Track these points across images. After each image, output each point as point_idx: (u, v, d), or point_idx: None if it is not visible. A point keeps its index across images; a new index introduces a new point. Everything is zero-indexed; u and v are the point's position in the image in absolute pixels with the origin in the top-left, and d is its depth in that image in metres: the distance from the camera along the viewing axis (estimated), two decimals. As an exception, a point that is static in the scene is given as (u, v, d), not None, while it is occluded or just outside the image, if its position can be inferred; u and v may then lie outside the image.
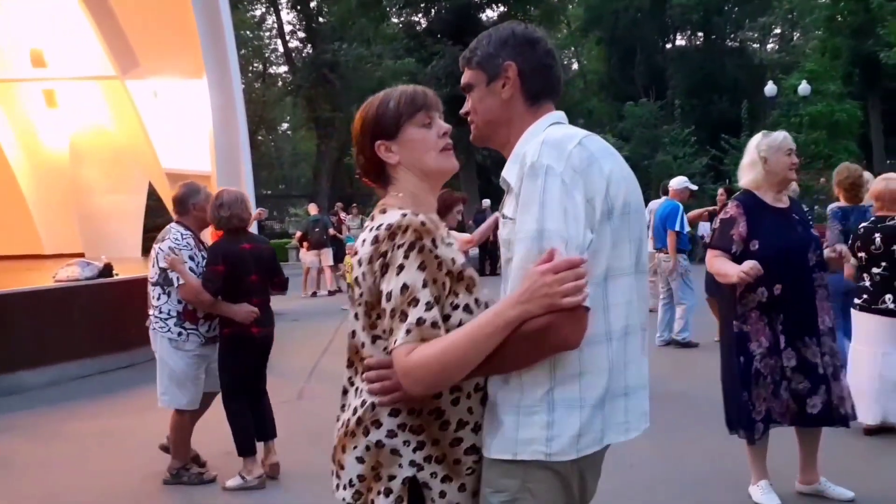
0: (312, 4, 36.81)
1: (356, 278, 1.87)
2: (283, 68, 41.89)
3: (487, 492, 1.84)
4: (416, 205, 1.92)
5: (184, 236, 5.08)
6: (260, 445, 5.16)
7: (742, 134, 26.48)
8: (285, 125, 48.08)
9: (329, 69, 32.18)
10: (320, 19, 36.98)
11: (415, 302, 1.75)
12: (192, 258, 5.02)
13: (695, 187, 9.95)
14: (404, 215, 1.81)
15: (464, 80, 2.03)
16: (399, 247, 1.78)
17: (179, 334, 5.04)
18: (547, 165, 1.76)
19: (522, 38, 1.96)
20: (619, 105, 32.43)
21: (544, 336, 1.71)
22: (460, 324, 1.81)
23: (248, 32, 37.65)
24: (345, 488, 1.91)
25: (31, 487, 5.25)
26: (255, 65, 42.54)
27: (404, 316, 1.75)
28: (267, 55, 43.15)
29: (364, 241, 1.86)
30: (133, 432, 6.59)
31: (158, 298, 5.08)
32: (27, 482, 5.37)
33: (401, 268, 1.77)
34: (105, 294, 9.26)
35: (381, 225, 1.82)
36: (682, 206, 9.40)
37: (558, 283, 1.67)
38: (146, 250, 16.65)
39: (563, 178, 1.75)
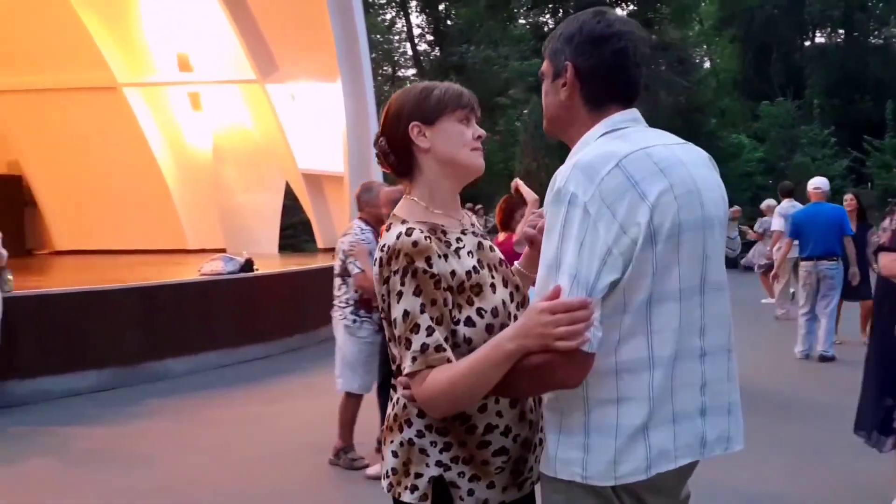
0: (441, 7, 37.28)
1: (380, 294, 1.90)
2: (412, 71, 42.58)
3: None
4: (432, 201, 1.95)
5: (363, 231, 5.37)
6: None
7: (886, 135, 25.13)
8: (413, 126, 48.82)
9: (456, 71, 32.48)
10: (448, 22, 37.41)
11: (416, 328, 1.78)
12: (371, 253, 5.28)
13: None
14: (398, 236, 1.82)
15: (542, 67, 1.91)
16: (395, 273, 1.81)
17: (354, 321, 5.34)
18: (572, 193, 1.66)
19: (587, 37, 1.79)
20: (754, 104, 31.30)
21: (541, 374, 1.68)
22: (465, 338, 1.83)
23: (378, 36, 38.44)
24: (385, 478, 1.99)
25: (174, 470, 5.58)
26: (385, 68, 43.37)
27: (409, 343, 1.78)
28: (396, 58, 43.95)
29: (376, 260, 1.90)
30: (267, 420, 6.91)
31: (339, 288, 5.40)
32: (170, 464, 5.71)
33: (399, 294, 1.80)
34: (245, 288, 9.73)
35: (383, 246, 1.85)
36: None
37: (553, 325, 1.62)
38: (282, 247, 17.34)
39: (588, 208, 1.64)
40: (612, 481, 1.71)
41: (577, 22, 1.83)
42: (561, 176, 1.70)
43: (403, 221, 1.90)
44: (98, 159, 14.84)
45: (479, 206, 20.06)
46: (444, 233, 1.89)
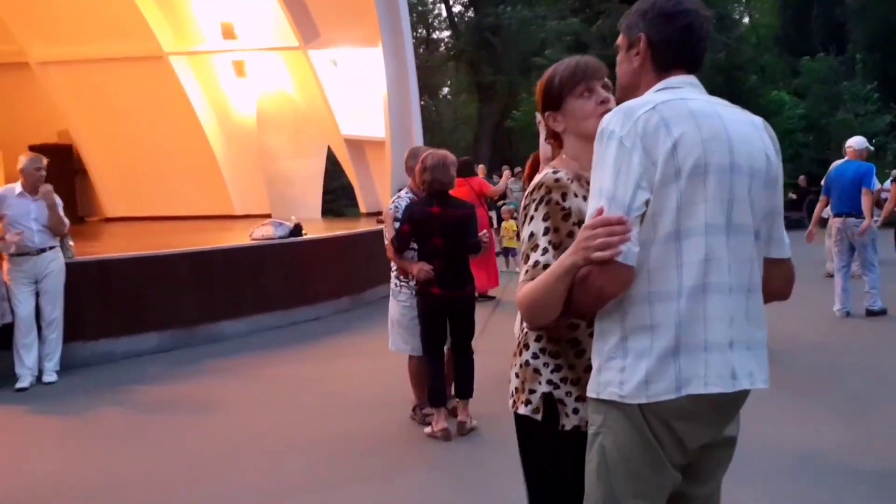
0: (476, -33, 36.97)
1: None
2: (446, 33, 42.40)
3: (586, 423, 2.09)
4: (578, 166, 2.22)
5: (400, 199, 5.58)
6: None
7: (932, 91, 24.65)
8: (446, 90, 48.69)
9: (492, 32, 32.32)
10: (484, -18, 37.11)
11: (536, 247, 2.09)
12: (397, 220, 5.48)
13: (871, 148, 9.45)
14: (545, 175, 2.16)
15: (618, 40, 2.19)
16: (533, 201, 2.15)
17: (395, 286, 5.58)
18: (610, 130, 1.92)
19: (660, 12, 2.05)
20: (795, 61, 30.78)
21: (585, 285, 1.91)
22: None
23: (413, -1, 38.29)
24: (510, 396, 2.31)
25: (240, 425, 5.85)
26: (420, 31, 43.21)
27: (527, 258, 2.10)
28: (431, 20, 43.74)
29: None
30: (322, 378, 7.18)
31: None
32: (236, 420, 5.99)
33: (531, 218, 2.14)
34: (295, 252, 9.99)
35: (532, 183, 2.19)
36: (874, 167, 8.98)
37: (593, 238, 1.86)
38: (325, 212, 17.61)
39: (624, 141, 1.90)
40: (644, 399, 1.91)
41: (650, 1, 2.09)
42: (605, 118, 1.97)
43: (553, 169, 2.21)
44: (145, 127, 15.15)
45: (518, 169, 20.09)
46: (588, 182, 2.10)
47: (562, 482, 2.20)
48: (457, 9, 39.45)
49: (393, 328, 5.66)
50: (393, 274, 5.62)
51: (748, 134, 2.01)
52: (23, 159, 7.24)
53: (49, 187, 7.11)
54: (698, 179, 1.91)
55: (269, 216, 12.38)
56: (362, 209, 15.13)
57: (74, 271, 7.53)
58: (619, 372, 1.95)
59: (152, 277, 8.51)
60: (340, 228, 12.51)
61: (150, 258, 8.75)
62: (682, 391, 1.90)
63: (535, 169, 6.06)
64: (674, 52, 2.06)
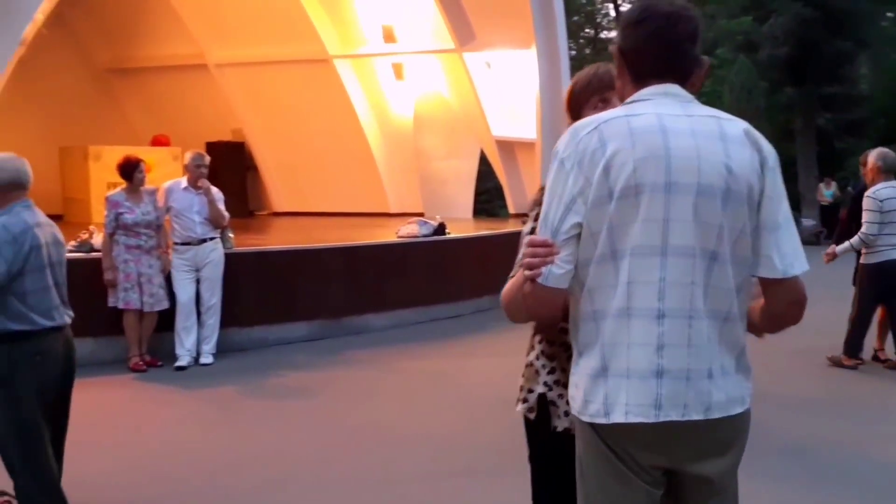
0: (646, -34, 36.20)
1: None
2: (615, 32, 41.79)
3: None
4: None
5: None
6: None
7: None
8: (614, 90, 47.93)
9: (661, 32, 31.57)
10: (653, -19, 36.28)
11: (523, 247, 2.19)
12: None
13: None
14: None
15: None
16: (537, 204, 2.27)
17: None
18: (556, 151, 1.95)
19: (627, 20, 2.01)
20: None
21: (522, 298, 1.98)
22: None
23: (581, -1, 38.00)
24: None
25: (369, 413, 6.17)
26: (587, 30, 42.82)
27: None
28: (598, 20, 43.24)
29: None
30: (455, 374, 7.38)
31: None
32: (366, 408, 6.32)
33: (530, 220, 2.37)
34: (438, 250, 10.27)
35: None
36: None
37: (526, 257, 1.93)
38: (477, 212, 17.86)
39: (564, 162, 1.92)
40: (586, 417, 1.93)
41: (629, 8, 2.11)
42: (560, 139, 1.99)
43: None
44: (311, 127, 15.91)
45: None
46: None
47: (560, 479, 2.29)
48: (625, 7, 38.88)
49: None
50: None
51: (703, 149, 1.89)
52: (187, 156, 7.85)
53: (206, 183, 7.65)
54: (629, 200, 1.87)
55: (421, 215, 12.72)
56: (511, 210, 15.26)
57: (233, 261, 8.07)
58: (574, 387, 1.99)
59: (304, 269, 9.00)
60: (488, 228, 12.69)
61: (303, 251, 9.25)
62: (610, 417, 1.88)
63: None
64: (643, 61, 1.98)
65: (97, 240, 7.79)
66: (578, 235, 1.90)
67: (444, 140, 15.77)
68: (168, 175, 8.58)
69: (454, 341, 8.89)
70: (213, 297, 7.76)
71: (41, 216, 3.79)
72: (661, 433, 1.88)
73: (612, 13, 39.93)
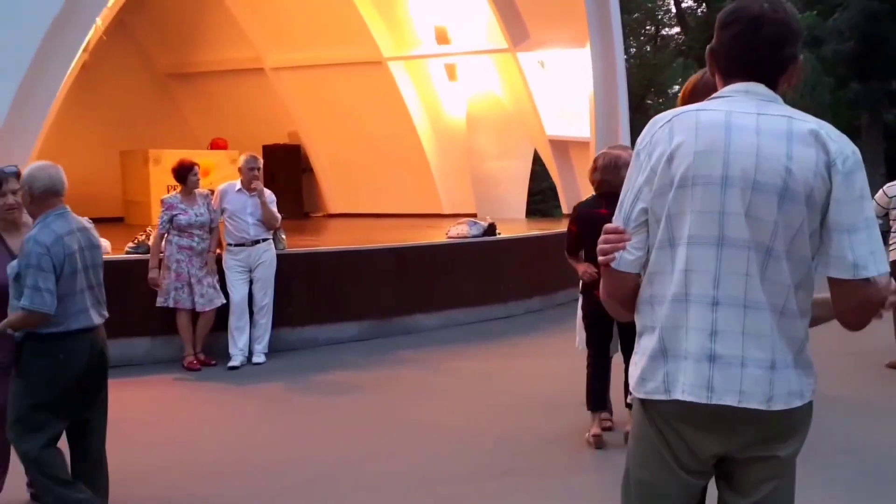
0: (707, -38, 35.64)
1: None
2: (676, 29, 41.16)
3: None
4: None
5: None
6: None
7: None
8: (676, 87, 47.36)
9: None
10: (714, -24, 35.70)
11: None
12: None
13: None
14: None
15: None
16: None
17: (580, 287, 5.59)
18: (637, 142, 2.10)
19: (719, 22, 2.12)
20: None
21: (601, 284, 2.19)
22: None
23: (641, -5, 37.54)
24: None
25: (417, 412, 6.20)
26: (648, 27, 42.31)
27: None
28: (660, 17, 42.69)
29: None
30: (504, 374, 7.37)
31: None
32: (414, 407, 6.35)
33: None
34: (489, 251, 10.25)
35: None
36: None
37: (601, 244, 2.10)
38: (532, 212, 17.77)
39: (640, 153, 2.09)
40: (642, 394, 2.07)
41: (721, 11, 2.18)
42: None
43: None
44: (365, 129, 16.01)
45: None
46: None
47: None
48: (686, 4, 38.30)
49: (580, 327, 5.70)
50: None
51: (764, 147, 1.97)
52: (241, 159, 7.96)
53: (260, 185, 7.76)
54: (686, 190, 1.99)
55: (474, 216, 12.72)
56: (564, 209, 15.14)
57: (285, 262, 8.17)
58: (633, 365, 2.14)
59: (354, 270, 9.06)
60: (540, 229, 12.63)
61: (353, 252, 9.32)
62: (671, 394, 2.01)
63: None
64: (727, 60, 2.10)
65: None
66: (646, 223, 2.07)
67: (497, 140, 15.74)
68: (226, 178, 8.72)
69: (503, 342, 8.86)
70: (266, 298, 7.87)
71: (75, 222, 3.88)
72: (718, 417, 1.98)
73: (674, 9, 39.42)
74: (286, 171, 16.46)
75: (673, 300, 2.02)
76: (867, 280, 1.96)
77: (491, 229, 10.33)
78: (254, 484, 4.78)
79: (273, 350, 7.95)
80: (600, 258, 2.10)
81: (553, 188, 16.74)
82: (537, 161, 16.50)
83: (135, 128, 15.53)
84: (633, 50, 37.12)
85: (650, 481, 2.11)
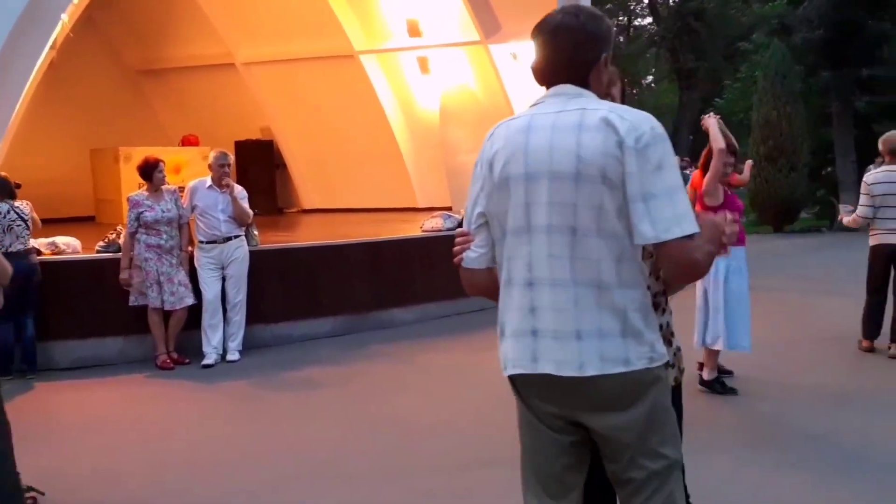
0: (678, -48, 35.80)
1: None
2: (648, 20, 41.37)
3: None
4: None
5: None
6: None
7: None
8: (649, 78, 47.54)
9: (694, 17, 31.25)
10: (685, -34, 35.87)
11: None
12: None
13: None
14: None
15: None
16: None
17: None
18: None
19: (531, 38, 2.37)
20: None
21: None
22: None
23: (612, -15, 37.67)
24: None
25: (391, 406, 6.19)
26: (620, 18, 42.47)
27: None
28: (632, 7, 42.84)
29: None
30: (479, 367, 7.33)
31: None
32: (388, 401, 6.34)
33: None
34: (463, 243, 10.21)
35: None
36: None
37: (455, 246, 2.43)
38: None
39: (476, 164, 2.37)
40: (504, 371, 2.35)
41: None
42: None
43: None
44: (338, 124, 15.92)
45: (685, 158, 19.29)
46: None
47: None
48: (660, -5, 38.45)
49: None
50: None
51: (556, 140, 2.20)
52: (211, 155, 7.91)
53: (230, 181, 7.71)
54: (504, 190, 2.27)
55: (449, 209, 12.69)
56: (540, 202, 15.15)
57: (258, 259, 8.13)
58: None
59: (328, 265, 9.03)
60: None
61: (327, 247, 9.28)
62: (507, 371, 2.33)
63: (708, 159, 6.00)
64: (539, 70, 2.35)
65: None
66: (487, 223, 2.34)
67: (472, 133, 15.63)
68: (198, 174, 8.63)
69: (479, 334, 8.83)
70: (239, 295, 7.82)
71: None
72: (547, 385, 2.25)
73: (646, 0, 39.56)
74: (259, 166, 16.36)
75: (504, 285, 2.31)
76: (673, 241, 2.12)
77: (465, 222, 10.29)
78: (229, 482, 4.75)
79: (247, 347, 7.92)
80: (455, 260, 2.41)
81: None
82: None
83: (105, 125, 15.35)
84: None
85: (529, 444, 2.41)
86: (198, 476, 4.87)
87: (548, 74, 2.33)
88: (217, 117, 16.19)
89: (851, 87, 22.44)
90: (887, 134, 7.35)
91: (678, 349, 2.66)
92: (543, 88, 2.36)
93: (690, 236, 2.13)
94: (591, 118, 2.19)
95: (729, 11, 30.36)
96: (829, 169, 23.62)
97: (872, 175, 7.24)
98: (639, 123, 2.16)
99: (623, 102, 2.57)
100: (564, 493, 2.36)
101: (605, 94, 2.39)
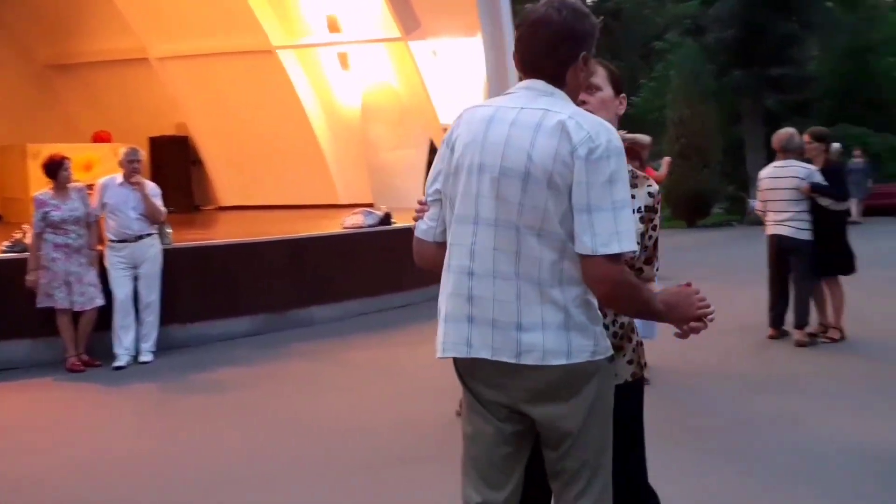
0: (595, -48, 36.37)
1: None
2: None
3: None
4: None
5: None
6: None
7: None
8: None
9: (611, 17, 31.84)
10: (603, -34, 36.47)
11: None
12: None
13: None
14: None
15: None
16: None
17: None
18: None
19: (514, 26, 2.41)
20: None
21: None
22: None
23: (531, -16, 38.04)
24: None
25: (313, 406, 6.11)
26: (539, 17, 42.90)
27: None
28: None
29: None
30: (401, 363, 7.34)
31: None
32: (310, 401, 6.25)
33: None
34: (384, 240, 10.18)
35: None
36: None
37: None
38: (429, 201, 17.77)
39: (444, 142, 2.37)
40: (437, 353, 2.36)
41: None
42: None
43: None
44: (256, 119, 15.69)
45: None
46: None
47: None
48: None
49: None
50: None
51: (513, 137, 2.21)
52: (121, 151, 7.69)
53: (140, 178, 7.51)
54: (457, 176, 2.29)
55: (371, 205, 12.62)
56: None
57: (172, 257, 7.93)
58: None
59: (246, 263, 8.87)
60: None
61: (244, 245, 9.13)
62: (439, 353, 2.34)
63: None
64: (517, 60, 2.35)
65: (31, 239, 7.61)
66: (441, 201, 2.36)
67: (393, 130, 15.67)
68: (111, 171, 8.34)
69: (401, 330, 8.84)
70: (152, 294, 7.62)
71: None
72: (489, 371, 2.27)
73: None
74: (174, 163, 16.02)
75: (445, 270, 2.33)
76: (608, 257, 2.13)
77: (386, 218, 10.28)
78: (143, 487, 4.60)
79: (162, 348, 7.72)
80: (412, 225, 2.47)
81: (450, 177, 16.78)
82: (434, 150, 16.50)
83: (13, 122, 14.82)
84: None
85: (471, 432, 2.40)
86: (106, 482, 4.70)
87: (524, 67, 2.33)
88: (130, 113, 15.78)
89: (761, 85, 23.16)
90: (778, 131, 7.72)
91: (639, 343, 2.66)
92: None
93: (620, 257, 2.15)
94: (549, 120, 2.19)
95: (644, 11, 30.99)
96: (741, 166, 24.34)
97: (764, 170, 7.66)
98: (596, 135, 2.15)
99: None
100: (503, 483, 2.36)
101: (578, 99, 2.39)
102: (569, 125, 2.16)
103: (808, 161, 7.50)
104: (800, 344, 7.29)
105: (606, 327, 2.41)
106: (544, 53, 2.27)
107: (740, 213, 22.31)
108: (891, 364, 6.63)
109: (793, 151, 7.43)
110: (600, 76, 2.59)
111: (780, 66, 22.69)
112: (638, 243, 2.39)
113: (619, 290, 2.20)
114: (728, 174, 24.20)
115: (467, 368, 2.34)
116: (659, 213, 2.64)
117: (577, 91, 2.36)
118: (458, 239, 2.28)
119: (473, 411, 2.38)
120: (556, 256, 2.18)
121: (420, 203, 2.43)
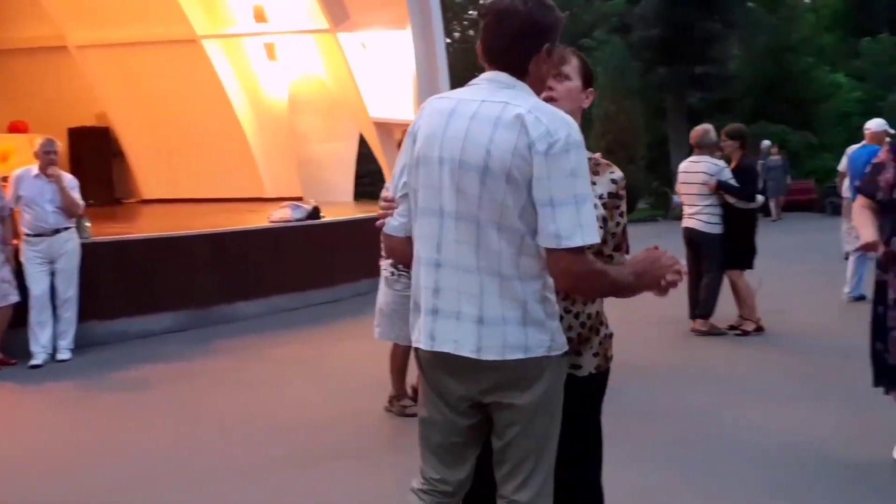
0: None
1: None
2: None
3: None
4: None
5: None
6: None
7: None
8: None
9: (540, 14, 32.05)
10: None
11: None
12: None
13: (892, 130, 8.96)
14: None
15: None
16: None
17: (392, 273, 5.27)
18: None
19: (479, 15, 2.36)
20: (856, 41, 29.78)
21: None
22: None
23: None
24: None
25: (238, 403, 5.97)
26: (470, 12, 43.01)
27: None
28: (482, 2, 43.48)
29: None
30: (328, 359, 7.26)
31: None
32: (234, 398, 6.11)
33: None
34: (312, 234, 10.07)
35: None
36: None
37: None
38: (358, 195, 17.67)
39: (408, 135, 2.37)
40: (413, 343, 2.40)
41: None
42: None
43: None
44: (180, 110, 15.36)
45: None
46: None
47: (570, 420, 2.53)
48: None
49: (384, 318, 5.42)
50: (388, 261, 5.28)
51: (472, 131, 2.21)
52: (37, 142, 7.41)
53: (57, 170, 7.26)
54: (420, 168, 2.29)
55: (300, 199, 12.47)
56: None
57: (91, 252, 7.69)
58: None
59: (168, 258, 8.66)
60: (367, 211, 12.53)
61: (166, 239, 8.91)
62: (414, 343, 2.39)
63: None
64: (481, 50, 2.32)
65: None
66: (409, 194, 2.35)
67: (322, 122, 15.50)
68: (27, 163, 8.03)
69: (328, 326, 8.75)
70: (69, 290, 7.38)
71: None
72: (450, 364, 2.29)
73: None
74: (94, 154, 15.59)
75: (415, 262, 2.35)
76: (572, 250, 2.14)
77: (315, 212, 10.16)
78: (64, 489, 4.42)
79: (80, 345, 7.49)
80: (377, 224, 2.46)
81: (381, 170, 16.69)
82: (363, 143, 16.39)
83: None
84: (456, 34, 37.65)
85: (426, 417, 2.43)
86: (24, 484, 4.53)
87: (488, 57, 2.31)
88: (48, 103, 15.27)
89: (685, 83, 23.67)
90: (695, 128, 7.83)
91: (607, 336, 2.68)
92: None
93: (584, 249, 2.17)
94: (508, 114, 2.18)
95: (572, 9, 31.24)
96: (664, 162, 24.82)
97: (680, 165, 7.84)
98: (556, 129, 2.15)
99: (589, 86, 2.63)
100: (459, 464, 2.43)
101: (545, 86, 2.41)
102: (527, 119, 2.15)
103: (728, 158, 7.66)
104: (697, 332, 7.49)
105: (577, 316, 2.52)
106: (508, 44, 2.26)
107: (664, 209, 22.75)
108: (808, 355, 6.81)
109: (707, 147, 7.58)
110: (572, 66, 2.58)
111: (703, 65, 23.23)
112: (601, 228, 2.39)
113: (585, 282, 2.24)
114: (653, 170, 24.66)
115: (429, 360, 2.35)
116: (624, 199, 2.63)
117: (541, 83, 2.35)
118: (424, 231, 2.30)
119: (430, 400, 2.41)
120: (514, 250, 2.20)
121: (385, 200, 2.44)
